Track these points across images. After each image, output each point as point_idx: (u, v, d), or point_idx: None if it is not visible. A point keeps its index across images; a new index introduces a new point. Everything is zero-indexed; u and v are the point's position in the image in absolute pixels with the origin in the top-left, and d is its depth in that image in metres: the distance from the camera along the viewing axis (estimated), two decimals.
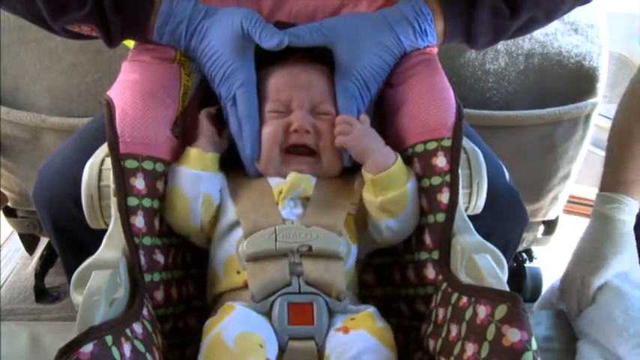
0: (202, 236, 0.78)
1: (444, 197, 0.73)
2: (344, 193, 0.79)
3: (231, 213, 0.76)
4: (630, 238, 0.89)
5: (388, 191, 0.74)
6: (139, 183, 0.71)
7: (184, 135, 0.82)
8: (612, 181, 0.91)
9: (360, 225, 0.78)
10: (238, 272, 0.72)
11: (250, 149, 0.79)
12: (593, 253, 0.89)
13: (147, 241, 0.71)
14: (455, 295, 0.65)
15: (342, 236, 0.73)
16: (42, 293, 1.47)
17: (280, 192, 0.76)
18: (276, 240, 0.70)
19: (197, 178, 0.75)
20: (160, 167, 0.74)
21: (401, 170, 0.75)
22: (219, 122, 0.83)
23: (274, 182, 0.78)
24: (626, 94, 0.94)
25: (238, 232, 0.74)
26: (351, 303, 0.71)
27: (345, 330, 0.65)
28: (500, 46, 1.22)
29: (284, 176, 0.78)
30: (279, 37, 0.77)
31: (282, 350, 0.65)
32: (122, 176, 0.70)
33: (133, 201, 0.70)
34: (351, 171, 0.84)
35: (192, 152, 0.76)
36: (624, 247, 0.89)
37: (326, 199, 0.76)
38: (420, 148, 0.77)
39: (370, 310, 0.69)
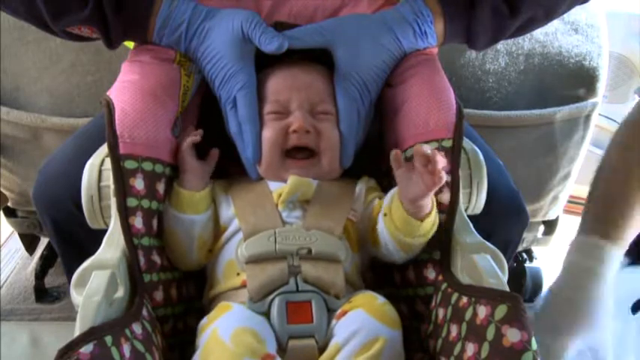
0: (200, 266, 0.78)
1: (445, 198, 0.73)
2: (344, 196, 0.79)
3: (231, 219, 0.76)
4: (605, 303, 0.73)
5: (416, 238, 0.71)
6: (138, 184, 0.71)
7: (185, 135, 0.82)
8: (595, 223, 0.75)
9: (366, 239, 0.78)
10: (238, 274, 0.72)
11: (251, 152, 0.79)
12: (559, 317, 0.74)
13: (145, 241, 0.71)
14: (455, 296, 0.65)
15: (341, 240, 0.73)
16: (42, 293, 1.46)
17: (280, 195, 0.76)
18: (275, 242, 0.70)
19: (191, 223, 0.74)
20: (159, 168, 0.74)
21: (433, 221, 0.71)
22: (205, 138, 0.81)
23: (274, 185, 0.78)
24: (621, 131, 0.83)
25: (238, 236, 0.74)
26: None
27: (343, 313, 0.66)
28: (500, 46, 1.22)
29: (284, 180, 0.77)
30: (279, 41, 0.77)
31: (282, 350, 0.65)
32: (121, 177, 0.70)
33: (132, 202, 0.70)
34: (350, 174, 0.84)
35: (184, 195, 0.74)
36: (596, 317, 0.73)
37: (326, 203, 0.76)
38: None
39: (368, 291, 0.70)
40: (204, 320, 0.65)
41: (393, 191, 0.73)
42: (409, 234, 0.70)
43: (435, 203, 0.71)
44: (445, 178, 0.65)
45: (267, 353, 0.61)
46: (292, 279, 0.68)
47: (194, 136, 0.77)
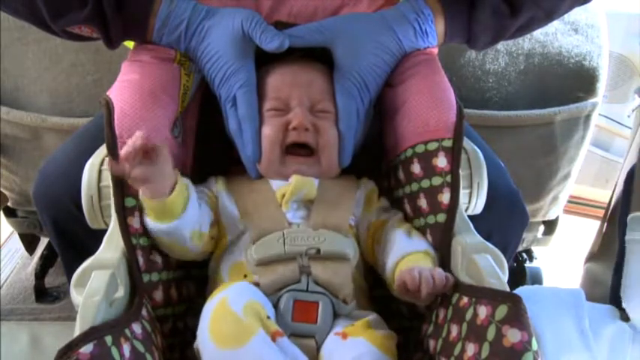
0: (204, 255, 0.77)
1: (445, 198, 0.73)
2: (346, 194, 0.79)
3: (236, 221, 0.76)
4: None
5: None
6: None
7: (184, 135, 0.82)
8: None
9: (366, 254, 0.78)
10: (245, 276, 0.71)
11: (251, 151, 0.79)
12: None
13: (144, 241, 0.71)
14: (455, 296, 0.65)
15: (348, 237, 0.73)
16: (42, 293, 1.46)
17: (283, 195, 0.76)
18: (284, 244, 0.70)
19: (174, 229, 0.69)
20: None
21: None
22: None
23: (276, 185, 0.78)
24: None
25: (245, 238, 0.74)
26: (358, 307, 0.71)
27: (344, 336, 0.65)
28: (500, 46, 1.22)
29: (285, 178, 0.77)
30: (280, 40, 0.77)
31: None
32: (119, 177, 0.70)
33: (130, 202, 0.70)
34: (349, 171, 0.84)
35: (153, 206, 0.67)
36: None
37: (330, 201, 0.76)
38: (420, 148, 0.77)
39: (371, 317, 0.68)
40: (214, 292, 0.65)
41: (394, 261, 0.71)
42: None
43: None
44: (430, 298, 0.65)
45: (277, 329, 0.61)
46: (304, 277, 0.69)
47: (141, 141, 0.62)
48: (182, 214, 0.68)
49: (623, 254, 0.97)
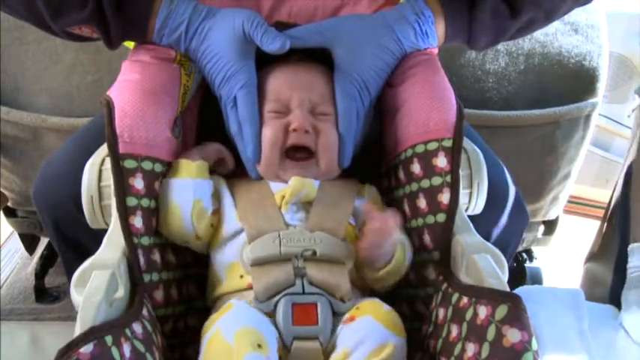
0: (200, 243, 0.77)
1: (445, 197, 0.73)
2: (346, 197, 0.79)
3: (233, 220, 0.75)
4: None
5: (373, 281, 0.74)
6: (137, 183, 0.71)
7: (184, 135, 0.82)
8: None
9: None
10: (241, 276, 0.71)
11: (252, 152, 0.79)
12: None
13: (145, 241, 0.71)
14: (455, 296, 0.65)
15: (345, 241, 0.73)
16: (42, 293, 1.46)
17: (283, 197, 0.75)
18: (280, 245, 0.70)
19: (185, 186, 0.74)
20: (158, 168, 0.74)
21: (401, 255, 0.73)
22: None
23: (276, 186, 0.78)
24: None
25: (241, 238, 0.73)
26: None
27: (352, 319, 0.66)
28: (500, 46, 1.22)
29: (284, 181, 0.78)
30: (281, 41, 0.77)
31: (287, 350, 0.65)
32: (121, 176, 0.70)
33: (131, 201, 0.70)
34: (350, 174, 0.83)
35: (180, 163, 0.76)
36: None
37: (329, 204, 0.76)
38: (420, 148, 0.77)
39: (374, 299, 0.70)
40: (209, 320, 0.65)
41: None
42: (366, 275, 0.74)
43: (397, 258, 0.72)
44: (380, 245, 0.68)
45: (269, 355, 0.61)
46: (299, 280, 0.68)
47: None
48: (198, 178, 0.75)
49: (622, 255, 0.97)
